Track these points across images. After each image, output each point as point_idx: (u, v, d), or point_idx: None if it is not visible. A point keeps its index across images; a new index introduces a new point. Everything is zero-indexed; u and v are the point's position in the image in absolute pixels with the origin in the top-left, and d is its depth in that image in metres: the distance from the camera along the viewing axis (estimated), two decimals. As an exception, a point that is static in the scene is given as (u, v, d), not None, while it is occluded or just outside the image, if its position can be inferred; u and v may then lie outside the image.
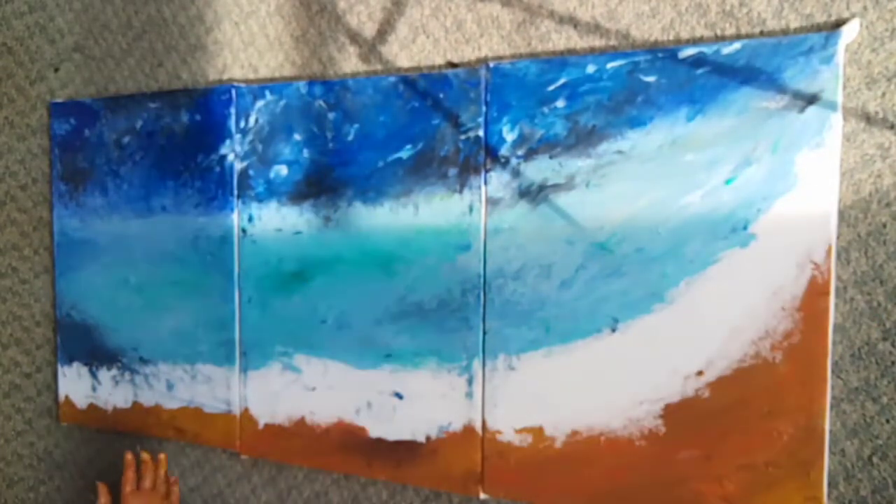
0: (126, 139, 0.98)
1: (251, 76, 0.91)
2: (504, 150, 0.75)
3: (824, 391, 0.64)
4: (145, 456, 0.85)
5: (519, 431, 0.76)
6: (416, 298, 0.80)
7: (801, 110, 0.64)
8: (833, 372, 0.65)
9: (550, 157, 0.73)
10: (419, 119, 0.79)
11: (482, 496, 0.78)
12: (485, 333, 0.77)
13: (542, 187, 0.74)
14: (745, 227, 0.66)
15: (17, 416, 1.13)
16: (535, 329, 0.75)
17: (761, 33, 0.67)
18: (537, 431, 0.75)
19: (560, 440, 0.74)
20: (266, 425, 0.90)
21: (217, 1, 0.93)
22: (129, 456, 0.85)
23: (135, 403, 0.99)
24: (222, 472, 0.97)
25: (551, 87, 0.73)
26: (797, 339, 0.65)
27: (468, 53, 0.79)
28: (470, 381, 0.78)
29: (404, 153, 0.80)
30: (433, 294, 0.79)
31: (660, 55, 0.69)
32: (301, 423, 0.87)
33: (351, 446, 0.84)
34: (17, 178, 1.10)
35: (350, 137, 0.83)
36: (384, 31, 0.83)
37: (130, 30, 1.00)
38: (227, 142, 0.90)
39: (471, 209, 0.77)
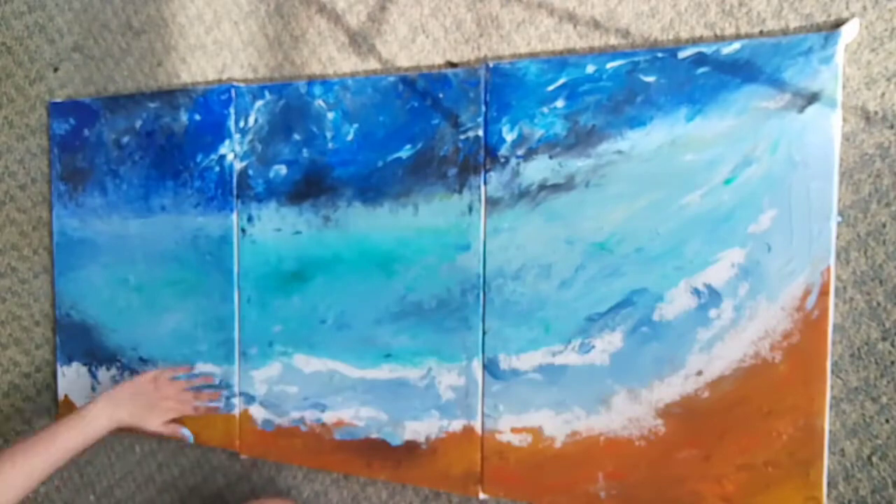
0: (125, 139, 0.98)
1: (251, 76, 0.91)
2: (504, 150, 0.75)
3: (824, 391, 0.64)
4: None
5: (518, 431, 0.76)
6: (415, 298, 0.80)
7: (801, 110, 0.64)
8: (833, 372, 0.65)
9: (550, 157, 0.73)
10: (418, 119, 0.79)
11: (482, 496, 0.78)
12: (484, 333, 0.77)
13: (542, 187, 0.74)
14: (744, 227, 0.66)
15: (16, 416, 1.13)
16: (534, 329, 0.75)
17: (761, 33, 0.67)
18: (537, 431, 0.75)
19: (559, 440, 0.74)
20: (265, 425, 0.90)
21: (217, 1, 0.93)
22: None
23: (134, 403, 0.99)
24: (222, 471, 0.97)
25: (551, 87, 0.73)
26: (797, 339, 0.65)
27: (468, 53, 0.79)
28: (470, 381, 0.78)
29: (404, 153, 0.80)
30: (433, 294, 0.79)
31: (659, 55, 0.69)
32: (301, 423, 0.87)
33: (351, 446, 0.84)
34: (17, 178, 1.10)
35: (349, 137, 0.83)
36: (383, 30, 0.83)
37: (130, 29, 1.00)
38: (227, 142, 0.90)
39: (470, 209, 0.77)
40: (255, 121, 0.88)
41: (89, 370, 1.03)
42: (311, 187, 0.85)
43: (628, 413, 0.71)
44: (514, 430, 0.76)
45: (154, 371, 0.90)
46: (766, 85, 0.65)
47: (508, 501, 0.78)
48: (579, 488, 0.73)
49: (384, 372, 0.82)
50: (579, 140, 0.72)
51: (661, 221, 0.69)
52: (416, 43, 0.82)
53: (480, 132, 0.76)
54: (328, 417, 0.86)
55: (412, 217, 0.80)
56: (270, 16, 0.90)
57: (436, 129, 0.79)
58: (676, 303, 0.69)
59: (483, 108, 0.76)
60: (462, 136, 0.77)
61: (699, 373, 0.68)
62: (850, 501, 0.66)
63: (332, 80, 0.85)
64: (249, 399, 0.90)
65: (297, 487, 0.92)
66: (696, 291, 0.68)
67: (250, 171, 0.89)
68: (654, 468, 0.70)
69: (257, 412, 0.90)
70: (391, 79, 0.81)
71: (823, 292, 0.64)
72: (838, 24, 0.64)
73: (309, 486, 0.91)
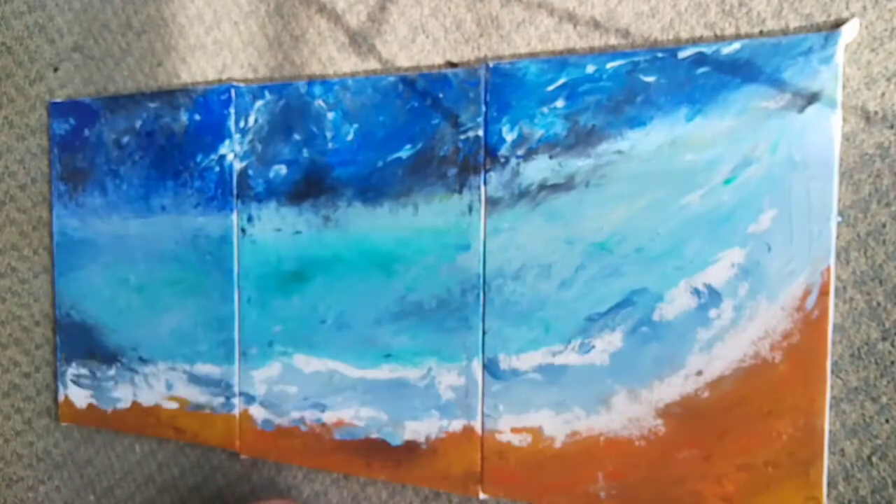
0: (125, 139, 0.98)
1: (251, 76, 0.91)
2: (504, 150, 0.75)
3: (824, 391, 0.64)
4: None
5: (518, 431, 0.76)
6: (415, 298, 0.80)
7: (801, 110, 0.64)
8: (832, 372, 0.65)
9: (550, 157, 0.73)
10: (418, 119, 0.79)
11: (482, 496, 0.78)
12: (484, 333, 0.77)
13: (542, 187, 0.74)
14: (744, 227, 0.66)
15: (16, 416, 1.13)
16: (534, 329, 0.75)
17: (761, 33, 0.67)
18: (536, 431, 0.75)
19: (559, 440, 0.74)
20: (265, 425, 0.90)
21: (217, 1, 0.93)
22: None
23: (134, 403, 0.99)
24: (222, 472, 0.97)
25: (551, 87, 0.73)
26: (797, 339, 0.65)
27: (468, 53, 0.79)
28: (470, 381, 0.78)
29: (404, 153, 0.80)
30: (433, 294, 0.79)
31: (659, 55, 0.69)
32: (301, 423, 0.87)
33: (351, 446, 0.84)
34: (17, 178, 1.10)
35: (349, 137, 0.83)
36: (383, 30, 0.83)
37: (130, 29, 1.00)
38: (227, 142, 0.90)
39: (470, 209, 0.77)
40: (255, 121, 0.88)
41: (89, 370, 1.03)
42: (311, 187, 0.85)
43: (628, 413, 0.71)
44: (514, 430, 0.76)
45: None
46: (766, 85, 0.65)
47: (508, 501, 0.78)
48: (579, 488, 0.73)
49: (384, 372, 0.82)
50: (579, 140, 0.72)
51: (661, 221, 0.69)
52: (416, 43, 0.82)
53: (480, 132, 0.76)
54: (328, 417, 0.86)
55: (412, 217, 0.80)
56: (270, 16, 0.90)
57: (436, 129, 0.79)
58: (676, 303, 0.69)
59: (483, 108, 0.76)
60: (462, 136, 0.77)
61: (699, 373, 0.68)
62: (850, 501, 0.66)
63: (332, 80, 0.85)
64: (249, 399, 0.90)
65: (297, 487, 0.92)
66: (696, 291, 0.68)
67: (250, 171, 0.89)
68: (654, 468, 0.70)
69: (257, 412, 0.90)
70: (391, 79, 0.81)
71: (823, 292, 0.64)
72: (838, 24, 0.64)
73: (309, 486, 0.91)
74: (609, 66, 0.71)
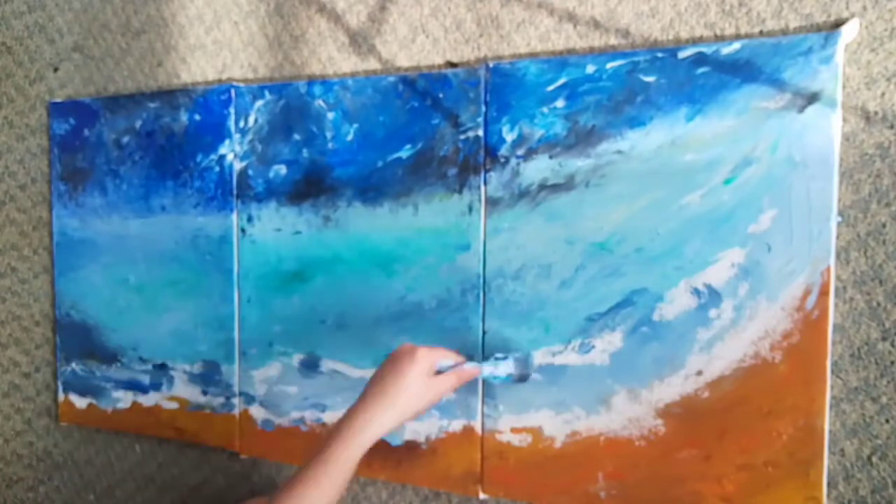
0: (125, 139, 0.98)
1: (250, 76, 0.91)
2: (504, 150, 0.75)
3: (824, 391, 0.64)
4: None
5: (518, 431, 0.76)
6: (415, 298, 0.80)
7: (801, 110, 0.64)
8: (832, 372, 0.65)
9: (550, 157, 0.73)
10: (418, 119, 0.79)
11: (482, 496, 0.78)
12: (484, 333, 0.77)
13: (542, 187, 0.74)
14: (744, 227, 0.66)
15: (16, 416, 1.13)
16: (534, 329, 0.75)
17: (761, 33, 0.67)
18: (537, 431, 0.75)
19: (559, 440, 0.74)
20: (265, 425, 0.90)
21: (217, 1, 0.93)
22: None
23: (134, 403, 0.99)
24: (222, 472, 0.97)
25: (551, 87, 0.73)
26: (796, 339, 0.65)
27: (468, 53, 0.79)
28: (470, 381, 0.78)
29: (404, 153, 0.80)
30: (433, 294, 0.79)
31: (659, 55, 0.69)
32: (301, 423, 0.87)
33: (350, 446, 0.84)
34: (17, 178, 1.10)
35: (349, 137, 0.83)
36: (383, 30, 0.83)
37: (130, 29, 1.00)
38: (227, 142, 0.90)
39: (470, 209, 0.77)
40: (255, 121, 0.88)
41: (89, 370, 1.03)
42: (311, 187, 0.85)
43: (628, 413, 0.71)
44: (514, 430, 0.76)
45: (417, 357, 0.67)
46: (766, 85, 0.65)
47: (508, 501, 0.78)
48: (579, 488, 0.73)
49: (384, 372, 0.82)
50: (579, 140, 0.72)
51: (661, 221, 0.69)
52: (416, 43, 0.82)
53: (480, 132, 0.76)
54: (328, 417, 0.85)
55: (412, 217, 0.80)
56: (270, 16, 0.90)
57: (436, 129, 0.79)
58: (676, 303, 0.69)
59: (483, 108, 0.76)
60: (462, 136, 0.77)
61: (699, 373, 0.68)
62: (850, 501, 0.66)
63: (332, 80, 0.85)
64: (249, 399, 0.90)
65: (297, 487, 0.91)
66: (696, 291, 0.68)
67: (250, 171, 0.89)
68: (654, 468, 0.70)
69: (257, 412, 0.90)
70: (391, 79, 0.81)
71: (823, 292, 0.64)
72: (838, 24, 0.64)
73: (309, 486, 0.91)
74: (609, 66, 0.71)
